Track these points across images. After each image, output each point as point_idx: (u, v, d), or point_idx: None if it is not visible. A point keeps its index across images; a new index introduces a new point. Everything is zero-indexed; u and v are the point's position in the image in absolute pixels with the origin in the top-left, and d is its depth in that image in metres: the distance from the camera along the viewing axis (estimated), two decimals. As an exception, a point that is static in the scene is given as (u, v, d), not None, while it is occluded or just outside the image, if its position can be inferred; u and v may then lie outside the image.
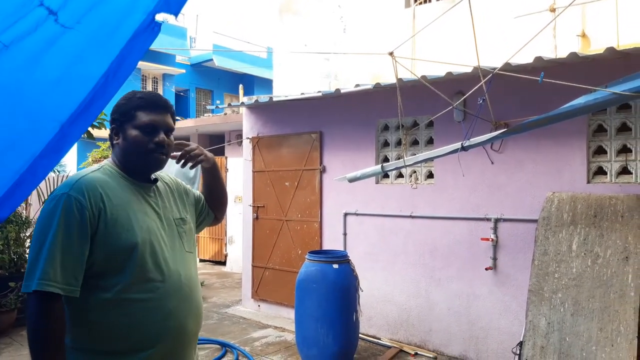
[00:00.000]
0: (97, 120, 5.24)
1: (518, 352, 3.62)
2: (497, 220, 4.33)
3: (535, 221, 3.91)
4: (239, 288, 7.19)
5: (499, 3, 5.21)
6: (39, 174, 1.66)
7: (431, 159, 4.37)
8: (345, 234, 5.39)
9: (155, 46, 14.10)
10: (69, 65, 1.47)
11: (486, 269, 4.35)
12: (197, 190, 1.97)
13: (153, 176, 1.71)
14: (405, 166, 4.12)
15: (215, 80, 21.05)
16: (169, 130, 1.64)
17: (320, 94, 5.22)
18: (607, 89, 2.13)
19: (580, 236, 3.53)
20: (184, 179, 3.88)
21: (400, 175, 5.08)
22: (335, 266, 4.22)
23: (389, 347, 4.81)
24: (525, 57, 3.71)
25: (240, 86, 11.31)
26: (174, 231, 1.67)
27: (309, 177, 5.73)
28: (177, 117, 13.65)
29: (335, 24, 6.61)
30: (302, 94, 5.52)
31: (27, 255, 5.57)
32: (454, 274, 4.59)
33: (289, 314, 5.62)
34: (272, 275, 6.08)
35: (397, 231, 4.98)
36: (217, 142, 10.50)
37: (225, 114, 9.95)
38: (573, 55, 3.66)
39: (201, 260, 9.84)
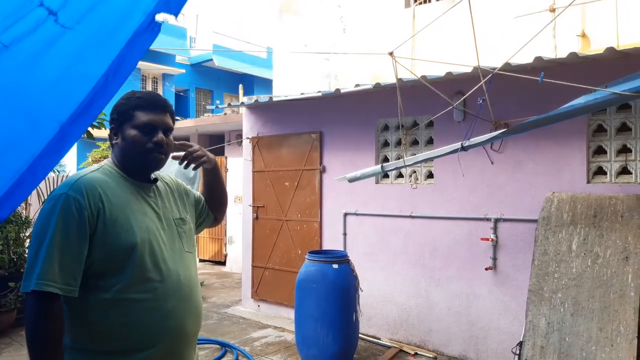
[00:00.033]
0: (97, 120, 5.24)
1: (518, 352, 3.62)
2: (497, 220, 4.33)
3: (535, 221, 3.91)
4: (238, 288, 7.19)
5: (499, 3, 5.21)
6: (39, 174, 1.66)
7: (431, 159, 4.37)
8: (345, 234, 5.39)
9: (155, 46, 14.10)
10: (68, 65, 1.47)
11: (486, 269, 4.35)
12: (197, 190, 1.97)
13: (153, 176, 1.71)
14: (405, 166, 4.12)
15: (215, 80, 21.04)
16: (167, 130, 1.64)
17: (320, 94, 5.22)
18: (607, 89, 2.13)
19: (580, 236, 3.53)
20: (183, 179, 3.88)
21: (400, 175, 5.08)
22: (335, 266, 4.22)
23: (389, 347, 4.81)
24: (525, 57, 3.71)
25: (240, 86, 11.31)
26: (173, 231, 1.67)
27: (308, 177, 5.73)
28: (177, 117, 13.65)
29: (335, 24, 6.61)
30: (302, 94, 5.52)
31: (26, 255, 5.56)
32: (453, 274, 4.59)
33: (289, 314, 5.62)
34: (272, 275, 6.08)
35: (397, 231, 4.98)
36: (217, 142, 10.50)
37: (225, 114, 9.95)
38: (573, 55, 3.66)
39: (201, 260, 9.84)
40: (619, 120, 3.83)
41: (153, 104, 1.61)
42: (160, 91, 18.60)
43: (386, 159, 5.13)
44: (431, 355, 4.58)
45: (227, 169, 9.10)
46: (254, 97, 6.26)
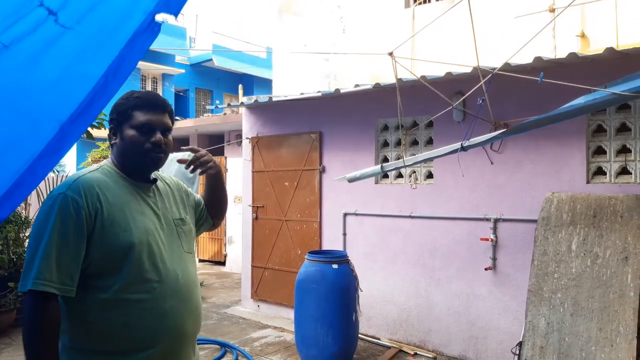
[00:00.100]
0: (97, 120, 5.24)
1: (517, 352, 3.62)
2: (496, 221, 4.34)
3: (534, 221, 3.91)
4: (238, 288, 7.19)
5: (498, 3, 5.21)
6: (39, 174, 1.67)
7: (431, 159, 4.38)
8: (344, 234, 5.39)
9: (155, 46, 14.10)
10: (68, 65, 1.47)
11: (486, 269, 4.35)
12: (196, 192, 1.97)
13: (153, 176, 1.71)
14: (405, 166, 4.12)
15: (215, 80, 21.04)
16: (166, 129, 1.64)
17: (319, 94, 5.22)
18: (606, 89, 2.13)
19: (579, 236, 3.53)
20: (183, 179, 3.87)
21: (400, 176, 5.08)
22: (335, 266, 4.22)
23: (389, 347, 4.81)
24: (525, 57, 3.71)
25: (240, 86, 11.30)
26: (173, 231, 1.67)
27: (308, 177, 5.73)
28: (177, 117, 13.64)
29: (335, 24, 6.61)
30: (302, 94, 5.52)
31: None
32: (453, 274, 4.59)
33: (289, 314, 5.62)
34: (272, 275, 6.08)
35: (397, 231, 4.98)
36: (217, 142, 10.50)
37: (225, 114, 9.95)
38: (572, 55, 3.66)
39: (200, 261, 9.84)
40: (619, 120, 3.83)
41: (152, 103, 1.61)
42: (159, 91, 18.59)
43: (386, 159, 5.13)
44: (431, 356, 4.58)
45: (226, 169, 9.10)
46: (253, 97, 6.26)
